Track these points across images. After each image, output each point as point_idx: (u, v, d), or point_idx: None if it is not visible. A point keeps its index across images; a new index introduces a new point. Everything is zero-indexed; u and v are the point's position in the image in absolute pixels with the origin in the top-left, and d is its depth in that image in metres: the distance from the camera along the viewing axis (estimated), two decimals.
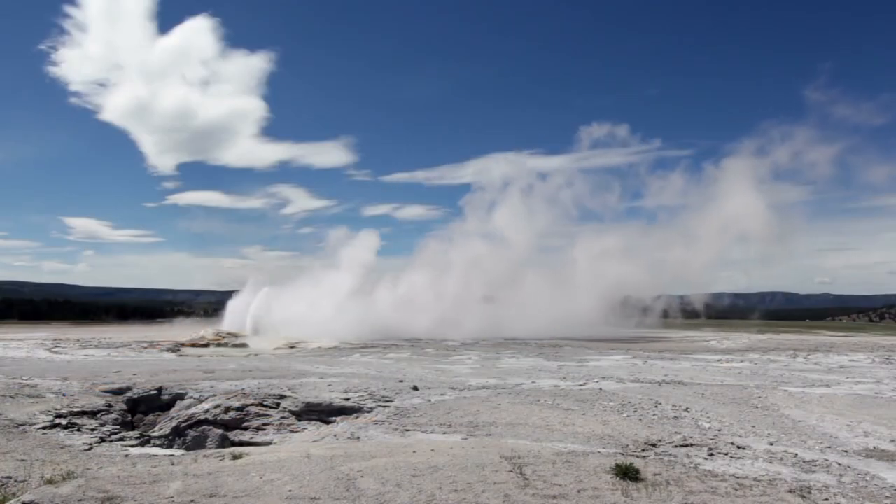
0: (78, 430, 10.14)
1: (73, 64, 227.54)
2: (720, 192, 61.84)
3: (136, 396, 13.13)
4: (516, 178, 68.20)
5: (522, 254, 60.01)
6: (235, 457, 7.10)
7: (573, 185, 70.26)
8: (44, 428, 9.78)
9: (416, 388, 13.91)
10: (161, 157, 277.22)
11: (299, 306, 42.28)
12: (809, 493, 6.18)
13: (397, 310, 44.77)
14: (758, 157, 65.64)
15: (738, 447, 8.50)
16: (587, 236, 64.58)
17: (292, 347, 31.47)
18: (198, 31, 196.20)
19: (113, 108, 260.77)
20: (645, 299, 62.68)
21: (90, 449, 8.93)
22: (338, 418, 11.35)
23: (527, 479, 6.02)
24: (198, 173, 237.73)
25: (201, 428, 11.48)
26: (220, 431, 11.32)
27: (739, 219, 58.63)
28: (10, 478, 6.42)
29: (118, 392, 13.22)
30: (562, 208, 67.96)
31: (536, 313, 47.98)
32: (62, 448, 8.64)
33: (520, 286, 54.65)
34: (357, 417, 11.24)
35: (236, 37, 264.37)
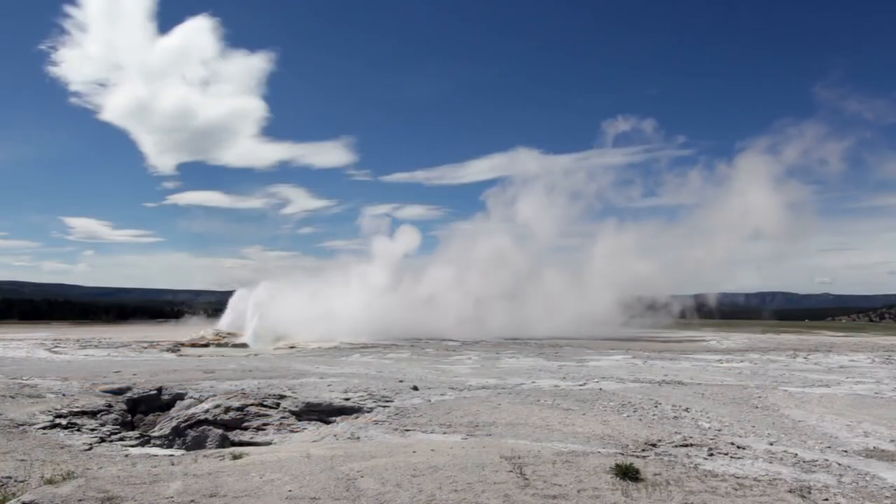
0: (78, 430, 10.14)
1: (73, 64, 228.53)
2: (727, 191, 62.09)
3: (136, 396, 13.13)
4: (541, 173, 68.45)
5: (543, 250, 60.38)
6: (235, 457, 7.10)
7: (590, 183, 70.46)
8: (44, 428, 9.78)
9: (416, 388, 13.91)
10: (161, 157, 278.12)
11: (327, 303, 41.30)
12: (809, 493, 6.18)
13: (418, 308, 44.22)
14: (762, 155, 65.59)
15: (738, 447, 8.50)
16: (600, 235, 64.76)
17: (292, 347, 31.48)
18: (198, 31, 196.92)
19: (113, 108, 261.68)
20: (659, 298, 62.96)
21: (90, 449, 8.93)
22: (338, 418, 11.35)
23: (527, 479, 6.02)
24: (198, 173, 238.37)
25: (201, 428, 11.48)
26: (220, 431, 11.32)
27: (751, 217, 58.81)
28: (10, 478, 6.43)
29: (118, 392, 13.22)
30: (578, 206, 68.18)
31: (554, 312, 47.82)
32: (62, 448, 8.64)
33: (539, 284, 54.62)
34: (357, 417, 11.24)
35: (236, 37, 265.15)
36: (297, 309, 40.55)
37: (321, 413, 11.76)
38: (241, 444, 10.26)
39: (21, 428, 9.55)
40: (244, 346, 33.86)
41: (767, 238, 64.92)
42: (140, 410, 12.82)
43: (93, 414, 11.22)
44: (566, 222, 68.84)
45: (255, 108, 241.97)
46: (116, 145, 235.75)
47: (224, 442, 10.87)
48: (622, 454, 7.61)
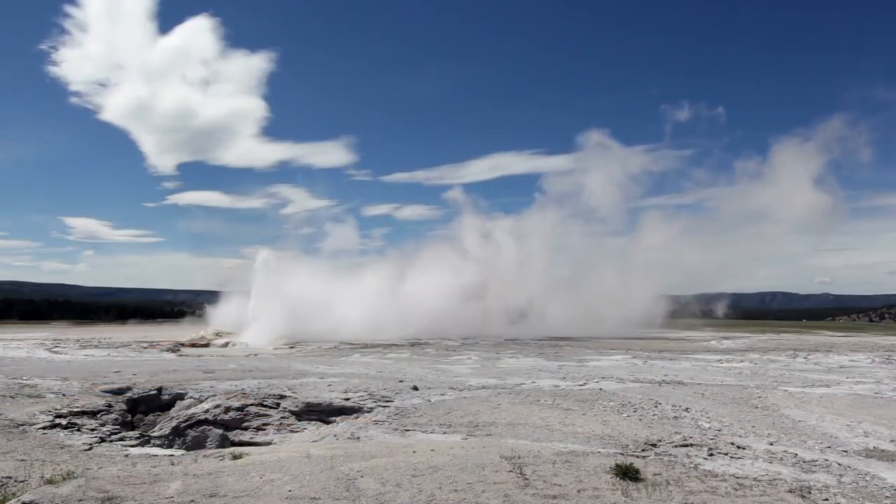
0: (78, 430, 10.14)
1: (74, 64, 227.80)
2: (746, 188, 62.73)
3: (136, 396, 13.13)
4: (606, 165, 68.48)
5: (588, 248, 60.50)
6: (235, 457, 7.10)
7: (601, 182, 70.42)
8: (44, 428, 9.77)
9: (416, 388, 13.91)
10: (161, 157, 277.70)
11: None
12: (809, 493, 6.18)
13: (466, 305, 43.59)
14: (793, 150, 65.81)
15: (738, 447, 8.50)
16: (632, 234, 65.26)
17: (292, 347, 31.48)
18: (198, 31, 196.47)
19: (113, 108, 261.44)
20: (690, 299, 63.52)
21: (90, 449, 8.93)
22: (338, 418, 11.35)
23: (527, 479, 6.02)
24: (198, 173, 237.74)
25: (201, 428, 11.48)
26: (220, 431, 11.32)
27: (786, 212, 59.35)
28: (10, 478, 6.42)
29: (118, 392, 13.22)
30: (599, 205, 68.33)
31: (600, 313, 47.66)
32: (62, 448, 8.63)
33: (584, 286, 54.65)
34: (357, 417, 11.24)
35: (236, 37, 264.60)
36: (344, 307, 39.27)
37: (321, 413, 11.76)
38: (241, 444, 10.26)
39: (21, 428, 9.54)
40: (243, 345, 33.84)
41: (804, 233, 65.92)
42: (140, 410, 12.82)
43: (93, 414, 11.21)
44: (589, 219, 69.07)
45: (255, 108, 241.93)
46: (116, 145, 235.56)
47: (224, 442, 10.87)
48: (622, 454, 7.61)
